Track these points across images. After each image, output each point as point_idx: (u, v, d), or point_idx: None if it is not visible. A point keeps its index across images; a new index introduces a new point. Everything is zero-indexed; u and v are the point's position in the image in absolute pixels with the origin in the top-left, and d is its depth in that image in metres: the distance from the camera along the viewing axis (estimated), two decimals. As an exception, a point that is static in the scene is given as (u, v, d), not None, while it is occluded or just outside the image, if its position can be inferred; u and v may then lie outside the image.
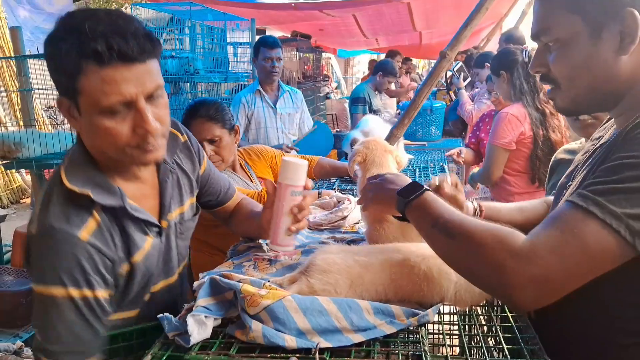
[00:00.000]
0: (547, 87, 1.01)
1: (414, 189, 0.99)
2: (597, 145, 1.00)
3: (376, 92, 4.96)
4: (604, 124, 1.08)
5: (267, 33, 7.38)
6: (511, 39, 4.10)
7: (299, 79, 6.19)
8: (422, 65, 16.60)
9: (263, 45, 3.40)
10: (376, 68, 5.06)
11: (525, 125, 2.58)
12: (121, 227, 1.07)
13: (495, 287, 0.81)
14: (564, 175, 1.11)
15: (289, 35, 6.91)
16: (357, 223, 1.57)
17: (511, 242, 0.80)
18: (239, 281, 0.96)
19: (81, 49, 0.92)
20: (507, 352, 0.87)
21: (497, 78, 2.74)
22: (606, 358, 0.93)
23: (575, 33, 0.87)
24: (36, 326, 1.04)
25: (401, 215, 1.02)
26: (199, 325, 0.89)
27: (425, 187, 0.99)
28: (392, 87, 6.17)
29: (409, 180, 1.07)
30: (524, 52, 2.63)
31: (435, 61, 2.64)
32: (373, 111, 4.67)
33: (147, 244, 1.12)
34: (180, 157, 1.25)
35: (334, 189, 2.05)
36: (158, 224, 1.15)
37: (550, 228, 0.79)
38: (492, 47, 6.74)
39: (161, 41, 5.09)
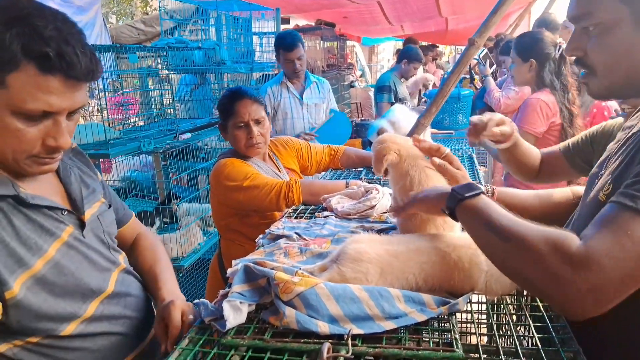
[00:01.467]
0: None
1: (470, 188, 0.95)
2: (630, 134, 0.98)
3: (402, 80, 4.92)
4: (636, 112, 1.06)
5: (292, 22, 7.38)
6: (545, 24, 4.00)
7: (323, 68, 6.17)
8: (448, 52, 16.34)
9: (282, 48, 3.36)
10: (401, 55, 5.02)
11: (557, 114, 2.55)
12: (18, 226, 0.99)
13: (551, 294, 0.78)
14: (596, 165, 1.09)
15: (314, 24, 6.89)
16: (385, 212, 1.58)
17: (566, 249, 0.76)
18: (272, 268, 0.99)
19: (28, 47, 0.87)
20: (537, 340, 0.88)
21: (523, 63, 2.63)
22: (632, 345, 0.93)
23: (619, 20, 0.86)
24: None
25: (449, 213, 0.98)
26: (235, 311, 0.93)
27: (482, 189, 0.95)
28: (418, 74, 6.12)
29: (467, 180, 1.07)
30: (557, 48, 2.56)
31: (462, 47, 2.60)
32: (399, 99, 4.63)
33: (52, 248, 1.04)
34: (75, 159, 1.23)
35: (361, 178, 2.06)
36: (71, 210, 1.10)
37: (602, 231, 0.77)
38: (521, 32, 6.59)
39: (187, 32, 5.16)
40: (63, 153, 1.03)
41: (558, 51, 2.55)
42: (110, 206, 1.29)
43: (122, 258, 1.27)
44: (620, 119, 1.25)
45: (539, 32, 2.72)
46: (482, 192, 0.94)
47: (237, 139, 2.00)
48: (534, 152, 1.54)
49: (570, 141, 1.46)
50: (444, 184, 1.23)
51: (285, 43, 3.34)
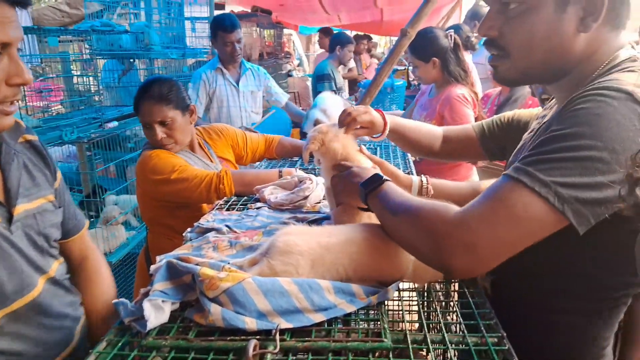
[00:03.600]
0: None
1: (375, 180, 1.02)
2: (542, 123, 1.02)
3: (340, 67, 4.94)
4: (549, 102, 1.10)
5: (227, 8, 7.18)
6: (476, 16, 4.11)
7: (262, 55, 6.07)
8: (384, 43, 16.58)
9: (221, 30, 3.25)
10: (333, 43, 5.03)
11: (476, 105, 2.66)
12: None
13: (429, 253, 0.85)
14: (513, 154, 1.13)
15: (249, 10, 6.75)
16: (319, 202, 1.57)
17: (444, 212, 0.84)
18: (197, 264, 0.95)
19: None
20: (463, 327, 0.89)
21: (425, 64, 2.70)
22: (558, 329, 0.97)
23: (542, 1, 0.86)
24: None
25: (366, 207, 1.05)
26: (156, 310, 0.88)
27: (385, 178, 1.01)
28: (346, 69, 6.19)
29: (373, 172, 1.08)
30: (450, 38, 2.66)
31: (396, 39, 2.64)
32: (338, 88, 4.65)
33: None
34: (27, 152, 1.13)
35: (296, 168, 2.03)
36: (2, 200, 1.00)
37: (482, 199, 0.82)
38: (452, 24, 6.78)
39: (115, 15, 4.90)
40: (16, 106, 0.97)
41: (452, 41, 2.65)
42: (60, 208, 1.17)
43: (56, 265, 1.14)
44: (535, 110, 1.28)
45: (429, 30, 2.79)
46: (386, 180, 1.01)
47: (146, 136, 1.94)
48: (423, 130, 1.48)
49: (484, 124, 1.41)
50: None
51: (225, 24, 3.25)
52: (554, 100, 1.05)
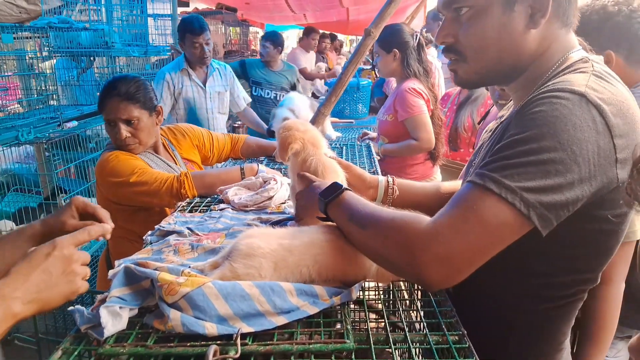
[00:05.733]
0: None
1: (334, 189, 1.01)
2: (499, 123, 1.04)
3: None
4: (508, 103, 1.13)
5: (191, 5, 7.07)
6: (438, 17, 4.19)
7: (225, 53, 5.99)
8: (349, 42, 16.64)
9: (189, 32, 3.18)
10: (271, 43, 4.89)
11: (429, 101, 2.73)
12: None
13: (405, 267, 0.84)
14: (473, 154, 1.15)
15: (214, 8, 6.66)
16: (284, 203, 1.56)
17: (416, 224, 0.83)
18: (155, 269, 0.92)
19: None
20: (425, 325, 0.90)
21: (387, 54, 2.76)
22: (517, 325, 0.99)
23: (490, 2, 0.89)
24: None
25: (325, 216, 1.04)
26: (113, 317, 0.85)
27: (345, 187, 1.01)
28: (308, 69, 6.16)
29: (331, 182, 1.07)
30: (414, 37, 2.72)
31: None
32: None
33: None
34: None
35: (260, 163, 2.01)
36: None
37: (451, 208, 0.82)
38: (417, 24, 6.87)
39: (75, 12, 4.75)
40: None
41: (416, 40, 2.71)
42: None
43: None
44: None
45: (397, 24, 2.87)
46: (346, 189, 1.00)
47: (109, 135, 1.88)
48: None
49: None
50: (340, 175, 1.25)
51: (193, 26, 3.19)
52: (511, 101, 1.08)
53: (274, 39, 4.34)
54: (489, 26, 0.90)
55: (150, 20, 4.60)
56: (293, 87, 4.46)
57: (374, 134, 3.05)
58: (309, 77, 6.19)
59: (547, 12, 0.87)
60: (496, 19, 0.89)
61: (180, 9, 5.07)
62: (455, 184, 1.35)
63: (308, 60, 6.52)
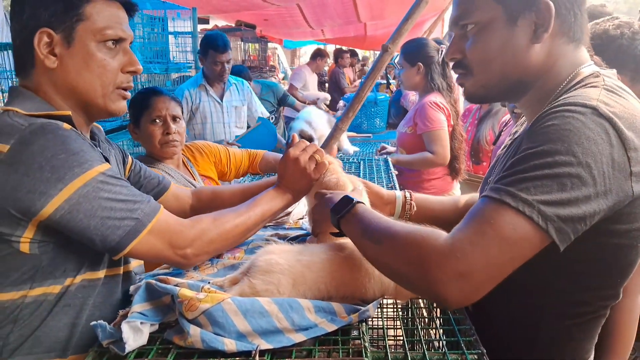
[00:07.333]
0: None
1: (346, 203, 1.00)
2: (513, 139, 1.04)
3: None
4: (521, 119, 1.13)
5: (211, 22, 7.20)
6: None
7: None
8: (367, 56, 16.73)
9: (212, 49, 3.23)
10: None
11: (450, 117, 2.71)
12: None
13: (423, 286, 0.81)
14: (488, 170, 1.15)
15: (233, 25, 6.77)
16: (302, 219, 1.56)
17: (432, 240, 0.80)
18: (176, 285, 0.94)
19: None
20: (444, 344, 0.90)
21: (411, 67, 2.76)
22: (538, 344, 0.98)
23: (494, 18, 0.91)
24: None
25: (338, 231, 1.03)
26: (135, 332, 0.86)
27: (357, 200, 1.00)
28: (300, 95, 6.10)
29: (342, 194, 1.06)
30: (439, 52, 2.73)
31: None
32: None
33: None
34: (107, 144, 1.25)
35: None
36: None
37: (468, 223, 0.81)
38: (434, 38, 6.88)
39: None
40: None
41: (440, 55, 2.72)
42: None
43: None
44: None
45: (423, 38, 2.88)
46: (358, 202, 0.99)
47: (152, 135, 1.91)
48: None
49: None
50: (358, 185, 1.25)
51: (217, 44, 3.23)
52: (524, 117, 1.08)
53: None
54: (493, 40, 0.92)
55: (171, 38, 4.70)
56: (282, 101, 4.59)
57: (392, 148, 3.05)
58: (298, 98, 6.10)
59: (550, 28, 0.88)
60: (500, 34, 0.91)
61: (200, 27, 5.16)
62: (474, 197, 1.34)
63: (311, 81, 6.62)
